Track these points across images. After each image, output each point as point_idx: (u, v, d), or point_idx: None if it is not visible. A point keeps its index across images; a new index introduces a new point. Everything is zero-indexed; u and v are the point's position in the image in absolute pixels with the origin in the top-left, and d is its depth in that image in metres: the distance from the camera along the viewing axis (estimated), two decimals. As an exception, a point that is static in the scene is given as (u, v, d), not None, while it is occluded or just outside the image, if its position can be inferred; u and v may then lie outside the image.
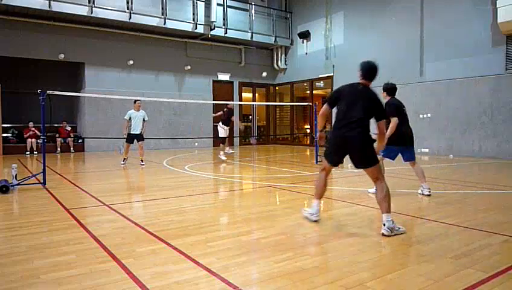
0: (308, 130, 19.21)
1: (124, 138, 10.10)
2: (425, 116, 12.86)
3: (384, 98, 5.82)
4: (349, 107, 3.86)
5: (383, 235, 3.59)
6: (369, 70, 3.98)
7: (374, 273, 2.73)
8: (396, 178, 7.47)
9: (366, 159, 3.83)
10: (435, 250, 3.23)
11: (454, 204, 5.12)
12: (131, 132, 9.94)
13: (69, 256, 3.11)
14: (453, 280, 2.59)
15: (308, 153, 14.28)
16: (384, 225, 3.63)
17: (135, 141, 10.01)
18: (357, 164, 3.92)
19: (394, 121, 5.50)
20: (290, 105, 18.79)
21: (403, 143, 5.68)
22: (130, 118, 9.90)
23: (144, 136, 10.18)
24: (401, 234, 3.66)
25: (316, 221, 4.12)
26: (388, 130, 5.42)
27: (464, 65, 11.79)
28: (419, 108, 12.95)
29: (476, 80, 11.55)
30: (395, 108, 5.60)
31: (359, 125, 3.79)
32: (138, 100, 10.12)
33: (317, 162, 10.22)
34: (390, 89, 5.89)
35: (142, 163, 10.00)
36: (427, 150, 12.80)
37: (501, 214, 4.57)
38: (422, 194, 5.69)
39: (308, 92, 17.83)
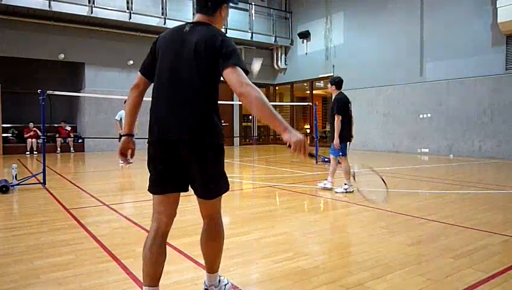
0: (308, 130, 19.20)
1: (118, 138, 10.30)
2: (425, 116, 12.86)
3: (333, 93, 6.10)
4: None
5: None
6: None
7: (374, 273, 2.73)
8: (397, 178, 7.47)
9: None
10: (435, 250, 3.22)
11: (454, 204, 5.12)
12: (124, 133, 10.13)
13: (69, 256, 3.10)
14: (453, 280, 2.59)
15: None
16: None
17: None
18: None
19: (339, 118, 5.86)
20: (290, 105, 18.79)
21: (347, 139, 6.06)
22: (121, 119, 10.04)
23: (144, 136, 10.28)
24: None
25: None
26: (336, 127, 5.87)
27: (464, 65, 11.79)
28: (419, 108, 12.95)
29: (476, 80, 11.55)
30: (344, 104, 5.94)
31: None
32: None
33: (316, 162, 10.22)
34: (338, 82, 6.07)
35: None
36: (427, 150, 12.80)
37: (501, 214, 4.57)
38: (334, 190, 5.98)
39: (308, 92, 17.83)
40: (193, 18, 2.19)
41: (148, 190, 2.14)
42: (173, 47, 2.07)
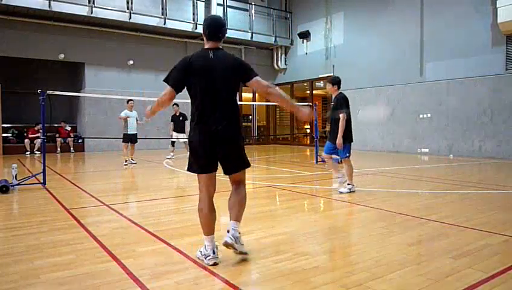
0: (308, 130, 19.20)
1: (121, 138, 10.34)
2: (425, 116, 12.86)
3: (333, 93, 6.03)
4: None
5: (226, 243, 2.98)
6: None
7: (374, 273, 2.73)
8: (397, 178, 7.47)
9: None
10: (435, 250, 3.22)
11: (454, 204, 5.12)
12: (128, 132, 10.09)
13: (69, 256, 3.10)
14: (453, 280, 2.59)
15: (308, 153, 14.28)
16: (228, 231, 3.04)
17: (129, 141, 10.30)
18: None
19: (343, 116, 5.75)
20: (290, 105, 18.76)
21: (351, 139, 5.95)
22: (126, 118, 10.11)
23: (144, 136, 10.28)
24: (242, 253, 3.08)
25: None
26: (340, 127, 5.73)
27: (464, 65, 11.79)
28: (419, 108, 12.95)
29: (476, 80, 11.55)
30: (346, 102, 5.86)
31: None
32: (131, 100, 10.29)
33: (317, 162, 10.22)
34: (339, 82, 6.03)
35: (134, 161, 10.32)
36: (427, 150, 12.80)
37: (501, 214, 4.57)
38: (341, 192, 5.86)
39: (308, 92, 17.83)
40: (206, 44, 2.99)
41: (196, 172, 3.08)
42: (207, 72, 2.88)
